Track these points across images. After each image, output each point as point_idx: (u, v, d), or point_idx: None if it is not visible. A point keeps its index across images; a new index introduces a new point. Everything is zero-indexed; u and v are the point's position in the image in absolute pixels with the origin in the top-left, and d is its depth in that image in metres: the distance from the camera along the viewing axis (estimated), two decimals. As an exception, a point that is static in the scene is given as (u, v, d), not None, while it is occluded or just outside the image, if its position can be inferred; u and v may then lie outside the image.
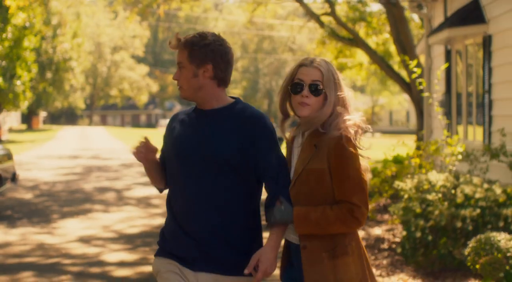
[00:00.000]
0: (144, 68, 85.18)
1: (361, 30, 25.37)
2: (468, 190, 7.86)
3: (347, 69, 30.67)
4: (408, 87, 19.36)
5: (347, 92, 3.48)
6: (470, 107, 11.98)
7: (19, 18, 23.64)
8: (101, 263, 8.45)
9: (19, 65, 27.00)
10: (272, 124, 3.54)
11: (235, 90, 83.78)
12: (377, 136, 56.07)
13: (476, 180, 8.24)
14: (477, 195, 7.77)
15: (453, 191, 7.88)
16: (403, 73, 23.51)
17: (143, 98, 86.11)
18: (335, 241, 3.35)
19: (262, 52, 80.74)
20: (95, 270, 8.12)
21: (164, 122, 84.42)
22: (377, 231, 10.20)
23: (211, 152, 3.45)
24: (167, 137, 3.67)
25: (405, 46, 19.03)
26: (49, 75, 43.72)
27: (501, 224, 7.59)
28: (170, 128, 3.69)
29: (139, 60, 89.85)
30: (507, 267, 5.81)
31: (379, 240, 9.50)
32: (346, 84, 3.52)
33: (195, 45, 3.54)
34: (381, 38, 26.76)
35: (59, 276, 7.76)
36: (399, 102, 72.59)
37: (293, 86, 3.48)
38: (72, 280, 7.62)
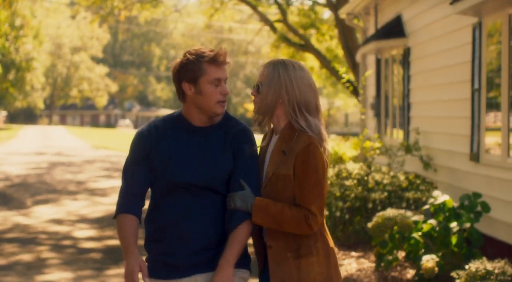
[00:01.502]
0: (103, 69, 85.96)
1: (312, 36, 26.92)
2: (378, 177, 9.55)
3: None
4: (355, 91, 20.89)
5: (305, 95, 3.44)
6: (395, 110, 13.68)
7: (-15, 23, 24.31)
8: (72, 238, 10.00)
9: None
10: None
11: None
12: (332, 138, 57.90)
13: (384, 168, 9.95)
14: (385, 181, 9.47)
15: (365, 178, 9.57)
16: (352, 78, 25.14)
17: (103, 100, 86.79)
18: (299, 241, 3.41)
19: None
20: (67, 242, 9.67)
21: (123, 122, 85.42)
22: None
23: (213, 175, 3.50)
24: (157, 154, 3.52)
25: (352, 52, 20.64)
26: (11, 75, 44.69)
27: (404, 204, 9.29)
28: (156, 144, 3.55)
29: (98, 61, 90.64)
30: (395, 229, 7.49)
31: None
32: (306, 86, 3.46)
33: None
34: (332, 44, 28.29)
35: (38, 247, 9.30)
36: (354, 105, 74.31)
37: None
38: (49, 250, 9.15)
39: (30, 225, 11.06)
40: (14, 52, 41.80)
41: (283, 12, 23.71)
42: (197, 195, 3.50)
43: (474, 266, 5.94)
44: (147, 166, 3.54)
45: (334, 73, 22.80)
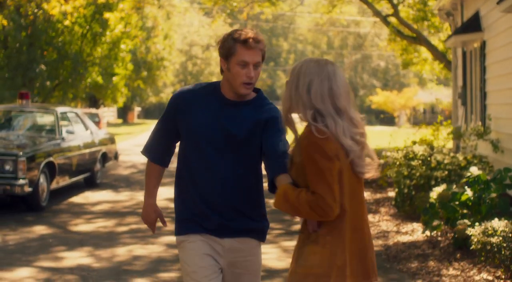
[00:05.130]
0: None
1: (424, 28, 27.64)
2: (439, 157, 10.83)
3: (412, 65, 33.08)
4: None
5: (310, 90, 3.44)
6: (477, 98, 14.79)
7: (116, 28, 26.43)
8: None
9: (117, 65, 29.95)
10: (280, 114, 3.67)
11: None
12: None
13: (445, 150, 11.22)
14: (446, 161, 10.74)
15: (429, 158, 10.87)
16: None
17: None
18: None
19: (348, 48, 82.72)
20: (176, 215, 11.55)
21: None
22: (390, 193, 13.38)
23: (236, 135, 3.77)
24: (187, 117, 3.84)
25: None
26: (143, 73, 47.58)
27: (463, 181, 10.54)
28: (188, 108, 3.84)
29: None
30: (433, 199, 8.83)
31: (386, 198, 12.69)
32: (314, 83, 3.45)
33: (265, 47, 3.79)
34: (446, 35, 28.93)
35: (152, 218, 11.21)
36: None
37: None
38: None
39: (149, 202, 13.06)
40: (145, 52, 44.40)
41: (395, 6, 24.64)
42: (223, 157, 3.80)
43: (484, 225, 7.25)
44: (173, 125, 3.93)
45: (446, 64, 23.54)
